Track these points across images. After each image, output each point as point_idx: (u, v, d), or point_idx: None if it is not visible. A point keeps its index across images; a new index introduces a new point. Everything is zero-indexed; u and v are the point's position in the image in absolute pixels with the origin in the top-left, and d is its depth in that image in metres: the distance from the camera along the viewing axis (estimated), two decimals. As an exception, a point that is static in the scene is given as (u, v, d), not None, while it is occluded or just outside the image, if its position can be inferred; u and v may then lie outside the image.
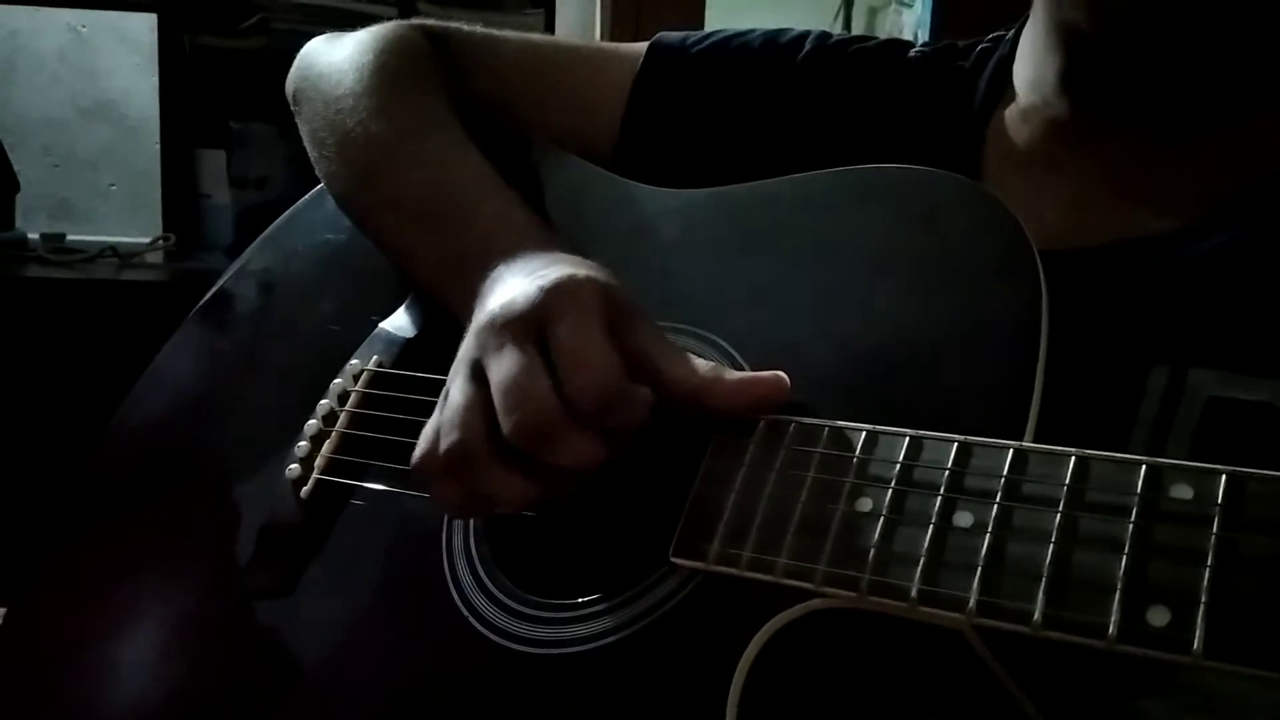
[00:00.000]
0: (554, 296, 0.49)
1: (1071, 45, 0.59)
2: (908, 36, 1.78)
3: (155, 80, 1.98)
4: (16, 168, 1.91)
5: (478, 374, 0.49)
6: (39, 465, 1.68)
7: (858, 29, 2.22)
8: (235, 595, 0.62)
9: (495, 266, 0.56)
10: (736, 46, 0.74)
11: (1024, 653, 0.41)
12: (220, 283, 0.80)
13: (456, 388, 0.50)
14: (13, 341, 1.66)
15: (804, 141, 0.69)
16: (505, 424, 0.47)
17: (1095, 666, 0.44)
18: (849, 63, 0.71)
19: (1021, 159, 0.63)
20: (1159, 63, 0.55)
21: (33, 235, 1.90)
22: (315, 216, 0.79)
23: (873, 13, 2.28)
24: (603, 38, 1.98)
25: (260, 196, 1.98)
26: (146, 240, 1.94)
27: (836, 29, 2.13)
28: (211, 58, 1.95)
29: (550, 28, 2.00)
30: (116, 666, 0.65)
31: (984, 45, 0.69)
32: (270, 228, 0.82)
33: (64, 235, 1.93)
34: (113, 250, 1.86)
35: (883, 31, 2.10)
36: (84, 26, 2.11)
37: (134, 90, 2.10)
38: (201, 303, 0.80)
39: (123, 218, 2.11)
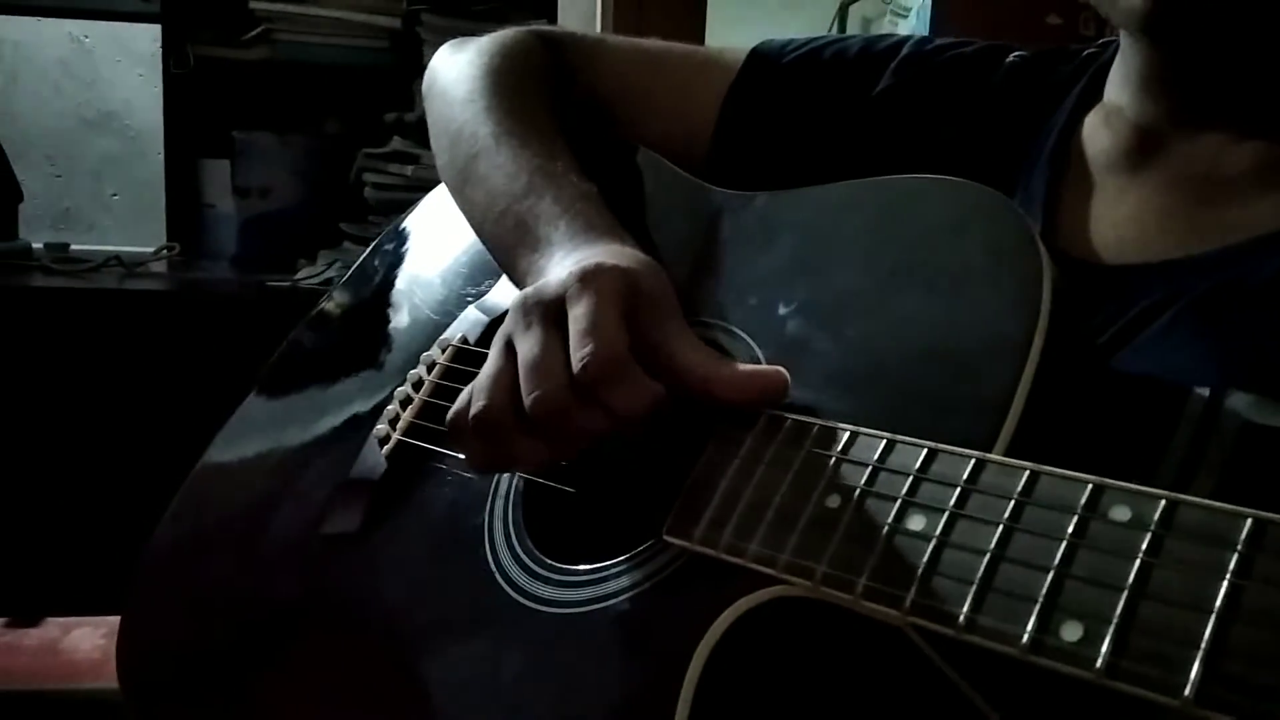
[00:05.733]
0: (579, 281, 0.54)
1: (1147, 42, 0.58)
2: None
3: (158, 90, 1.99)
4: (20, 178, 1.91)
5: (509, 349, 0.55)
6: (44, 474, 1.69)
7: (854, 38, 2.23)
8: (320, 530, 0.71)
9: (552, 256, 0.61)
10: (830, 55, 0.76)
11: (974, 650, 0.42)
12: (361, 259, 0.92)
13: (491, 359, 0.55)
14: (17, 351, 1.67)
15: (890, 150, 0.69)
16: (526, 398, 0.52)
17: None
18: (942, 69, 0.72)
19: (1103, 166, 0.63)
20: (1242, 56, 0.55)
21: (37, 245, 1.91)
22: (443, 203, 0.85)
23: (866, 22, 2.29)
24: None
25: (264, 206, 2.00)
26: (150, 250, 1.95)
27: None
28: (215, 68, 1.96)
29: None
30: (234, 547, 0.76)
31: (1091, 50, 0.69)
32: (407, 212, 0.94)
33: (68, 245, 1.94)
34: (117, 260, 1.86)
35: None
36: (87, 37, 2.12)
37: (137, 100, 2.11)
38: (348, 273, 0.92)
39: (126, 227, 2.12)
